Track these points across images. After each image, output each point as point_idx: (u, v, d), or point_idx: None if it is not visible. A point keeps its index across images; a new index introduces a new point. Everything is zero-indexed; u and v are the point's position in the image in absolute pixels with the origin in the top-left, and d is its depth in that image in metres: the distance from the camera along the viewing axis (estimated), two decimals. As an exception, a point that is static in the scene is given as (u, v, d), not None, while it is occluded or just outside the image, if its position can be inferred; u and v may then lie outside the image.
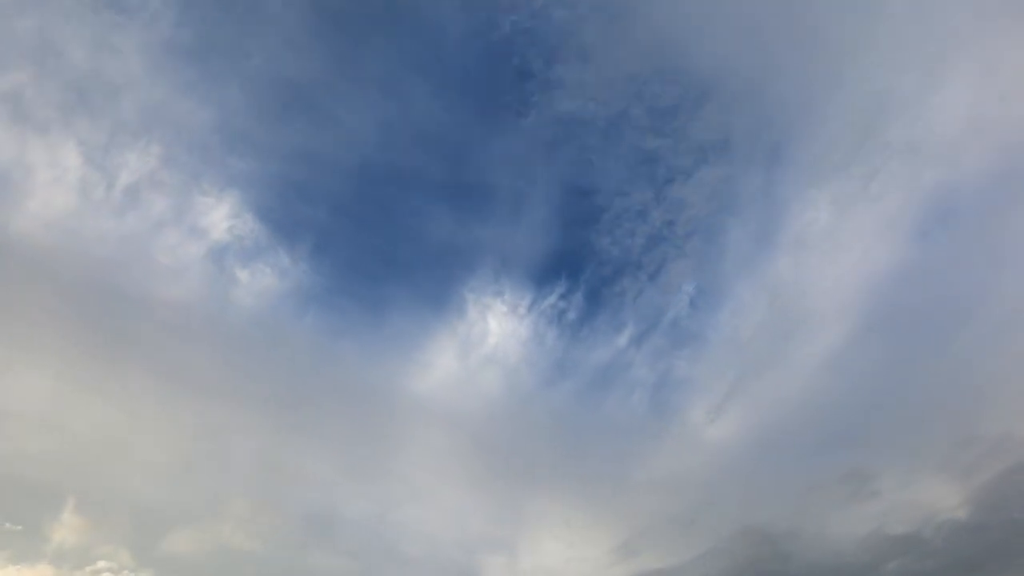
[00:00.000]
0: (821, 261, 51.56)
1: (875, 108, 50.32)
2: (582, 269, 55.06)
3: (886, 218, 50.18)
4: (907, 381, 45.52)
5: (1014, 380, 40.33)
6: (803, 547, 37.67)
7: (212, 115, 49.83)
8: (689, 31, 51.79)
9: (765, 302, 52.33)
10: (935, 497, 35.88)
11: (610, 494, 50.69)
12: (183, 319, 50.56)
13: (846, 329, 50.26)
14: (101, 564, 42.40)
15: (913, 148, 48.81)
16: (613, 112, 52.66)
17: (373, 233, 54.62)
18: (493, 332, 53.56)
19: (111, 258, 49.03)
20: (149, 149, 49.47)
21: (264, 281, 51.71)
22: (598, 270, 54.96)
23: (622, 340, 54.65)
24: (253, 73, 50.71)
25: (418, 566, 47.94)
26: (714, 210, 53.32)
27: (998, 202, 46.88)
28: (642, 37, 52.37)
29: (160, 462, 47.20)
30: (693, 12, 51.59)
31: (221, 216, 51.14)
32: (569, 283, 54.75)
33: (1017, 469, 34.10)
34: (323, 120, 53.07)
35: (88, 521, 43.75)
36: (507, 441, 53.48)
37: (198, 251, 50.71)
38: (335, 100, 53.50)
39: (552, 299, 54.43)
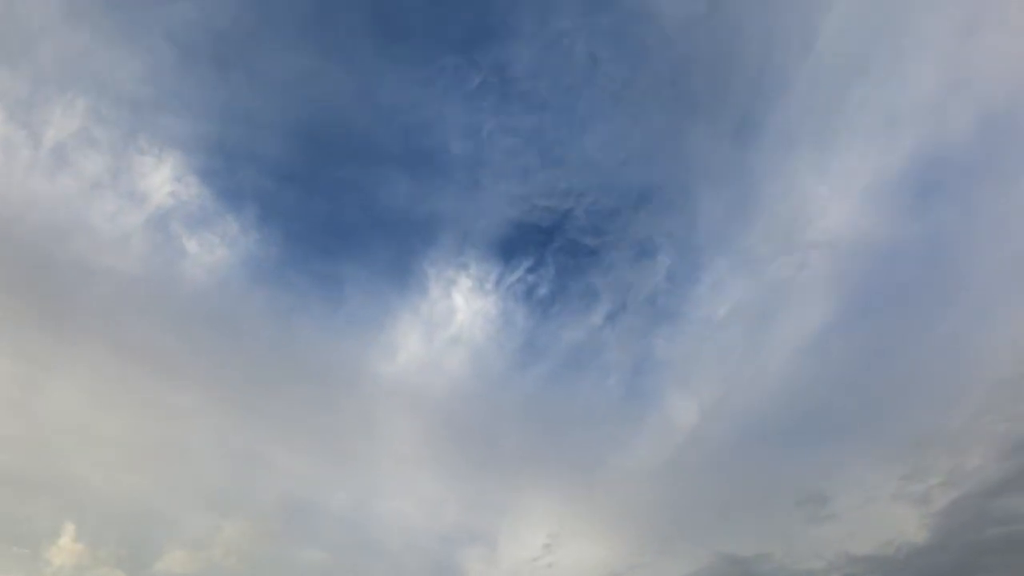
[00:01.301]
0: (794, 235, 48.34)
1: (848, 73, 46.42)
2: (551, 240, 51.03)
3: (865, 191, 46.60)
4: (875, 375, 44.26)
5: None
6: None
7: (140, 68, 44.52)
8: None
9: (741, 279, 49.45)
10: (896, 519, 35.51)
11: (589, 484, 49.22)
12: (128, 292, 47.48)
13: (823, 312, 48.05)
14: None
15: (891, 117, 45.29)
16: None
17: (322, 201, 50.75)
18: (459, 310, 50.57)
19: (44, 224, 45.23)
20: (75, 104, 44.41)
21: (214, 252, 48.16)
22: (568, 241, 50.90)
23: (596, 318, 51.95)
24: (180, 22, 45.13)
25: (397, 560, 46.81)
26: (688, 179, 49.22)
27: (981, 170, 43.44)
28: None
29: (114, 447, 45.60)
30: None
31: (162, 179, 46.86)
32: (537, 256, 50.84)
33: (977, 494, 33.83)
34: (259, 78, 48.15)
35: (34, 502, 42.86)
36: (480, 429, 51.75)
37: (139, 217, 46.87)
38: (271, 56, 48.16)
39: (520, 272, 50.79)
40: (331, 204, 49.81)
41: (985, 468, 34.84)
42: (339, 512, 47.40)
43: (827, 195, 46.92)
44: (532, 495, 49.42)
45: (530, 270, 50.04)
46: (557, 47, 49.42)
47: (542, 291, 50.18)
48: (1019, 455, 33.93)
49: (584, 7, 48.78)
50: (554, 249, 49.68)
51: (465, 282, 49.34)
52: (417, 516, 48.53)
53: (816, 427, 45.33)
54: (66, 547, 41.46)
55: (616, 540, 46.59)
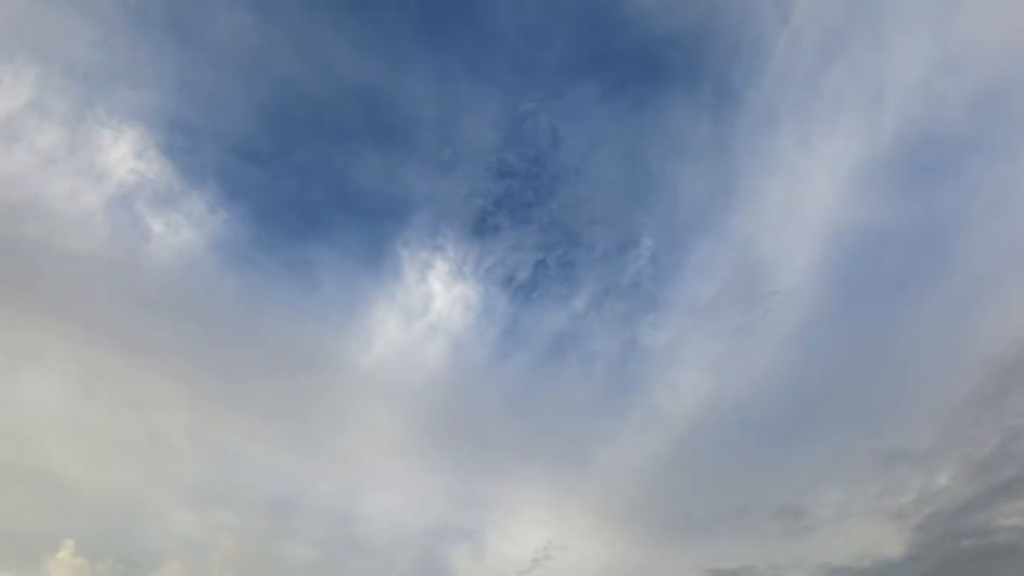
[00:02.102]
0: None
1: (828, 48, 43.99)
2: (529, 221, 48.26)
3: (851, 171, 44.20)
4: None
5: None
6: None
7: (90, 36, 41.17)
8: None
9: (727, 263, 47.34)
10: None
11: (576, 481, 48.51)
12: (93, 276, 45.27)
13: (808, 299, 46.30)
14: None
15: (875, 94, 43.07)
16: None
17: (289, 181, 48.05)
18: (437, 296, 48.59)
19: (-2, 202, 42.71)
20: (24, 73, 41.31)
21: (181, 233, 45.76)
22: (548, 223, 48.26)
23: (579, 303, 49.88)
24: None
25: (384, 557, 46.24)
26: (667, 156, 46.35)
27: (972, 150, 41.05)
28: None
29: (91, 439, 43.98)
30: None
31: (122, 154, 44.01)
32: (516, 238, 48.20)
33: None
34: (217, 51, 44.87)
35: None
36: (462, 421, 50.64)
37: (100, 196, 44.28)
38: (228, 28, 44.64)
39: (498, 255, 48.24)
40: (298, 183, 47.44)
41: (953, 487, 35.68)
42: (325, 507, 46.65)
43: (811, 175, 44.64)
44: (519, 491, 48.79)
45: (509, 253, 47.61)
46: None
47: (523, 275, 48.14)
48: (982, 475, 35.10)
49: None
50: (533, 231, 47.43)
51: (442, 266, 47.24)
52: (403, 512, 47.85)
53: (794, 435, 45.03)
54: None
55: (605, 543, 46.06)
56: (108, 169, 43.96)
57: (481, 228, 47.22)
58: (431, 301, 48.94)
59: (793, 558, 36.49)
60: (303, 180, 47.39)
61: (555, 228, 47.05)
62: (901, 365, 42.54)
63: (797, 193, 45.76)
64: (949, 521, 34.92)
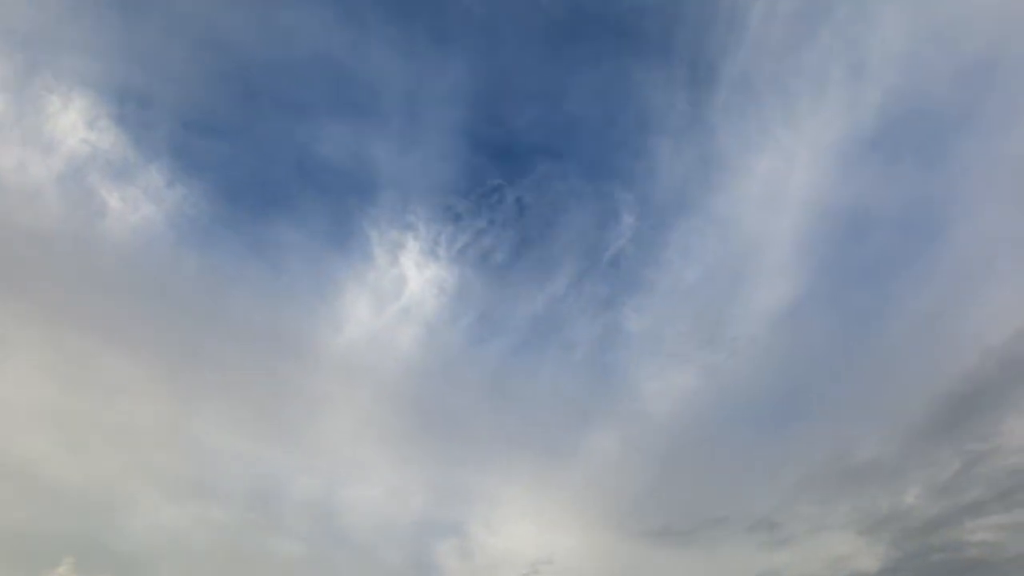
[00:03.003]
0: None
1: (808, 18, 42.00)
2: (503, 198, 46.20)
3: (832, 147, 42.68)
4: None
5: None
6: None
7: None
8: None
9: (711, 242, 46.05)
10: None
11: (558, 472, 47.53)
12: (47, 254, 43.02)
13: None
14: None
15: (857, 66, 41.39)
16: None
17: (249, 155, 45.50)
18: (410, 278, 46.80)
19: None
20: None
21: (138, 209, 43.52)
22: (523, 199, 46.21)
23: (558, 286, 48.29)
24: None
25: (370, 553, 45.14)
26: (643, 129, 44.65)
27: (954, 124, 39.88)
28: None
29: (61, 427, 42.08)
30: None
31: (72, 123, 41.41)
32: (489, 217, 46.14)
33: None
34: (166, 16, 41.68)
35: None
36: (441, 410, 49.47)
37: (52, 168, 41.85)
38: None
39: (470, 234, 46.09)
40: (259, 158, 44.91)
41: (919, 505, 36.52)
42: (307, 499, 45.53)
43: (792, 152, 43.19)
44: (501, 484, 47.69)
45: (482, 232, 45.62)
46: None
47: (498, 257, 46.46)
48: (945, 495, 36.24)
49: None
50: (507, 208, 45.57)
51: (413, 245, 45.38)
52: (386, 505, 46.90)
53: (772, 442, 44.41)
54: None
55: (588, 547, 44.75)
56: (58, 139, 41.66)
57: (453, 206, 45.35)
58: (404, 283, 47.24)
59: (770, 570, 36.59)
60: (264, 155, 45.06)
61: (530, 205, 45.59)
62: (881, 372, 42.17)
63: (779, 172, 44.43)
64: (920, 536, 35.47)
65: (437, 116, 43.96)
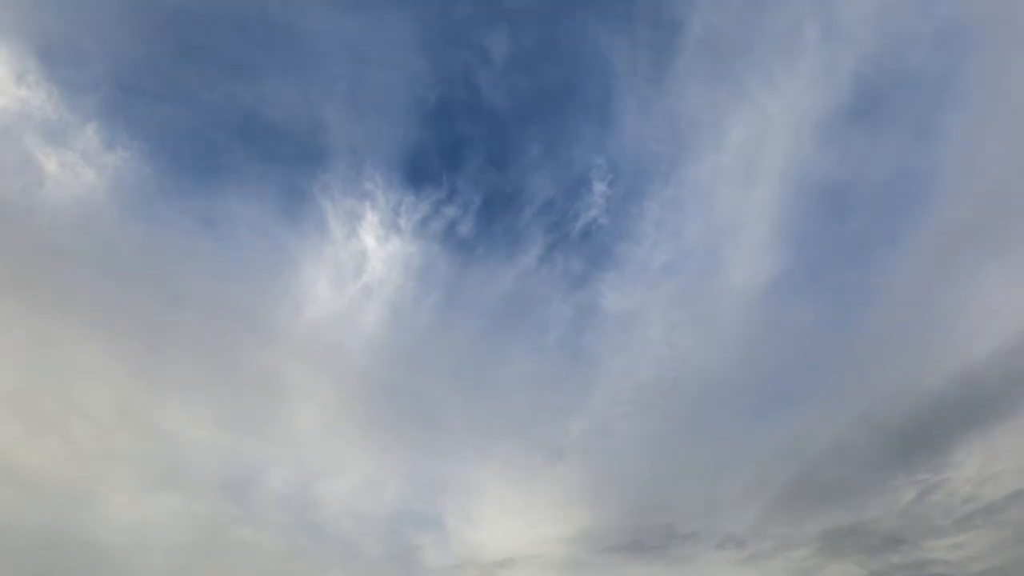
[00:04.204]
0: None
1: None
2: (465, 164, 43.06)
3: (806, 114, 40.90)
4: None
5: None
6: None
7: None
8: None
9: (689, 216, 44.22)
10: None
11: (533, 463, 46.45)
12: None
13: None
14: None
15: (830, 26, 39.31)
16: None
17: (189, 118, 40.68)
18: (371, 254, 44.28)
19: None
20: None
21: (79, 175, 40.60)
22: (487, 164, 43.16)
23: (529, 259, 45.93)
24: None
25: (346, 547, 44.16)
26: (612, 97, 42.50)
27: (933, 91, 38.29)
28: None
29: (15, 407, 39.33)
30: None
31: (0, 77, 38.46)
32: (451, 186, 42.99)
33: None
34: None
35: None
36: (409, 397, 47.86)
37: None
38: None
39: (434, 203, 42.99)
40: (201, 121, 40.22)
41: (885, 520, 37.11)
42: (276, 490, 44.18)
43: (764, 119, 41.31)
44: (479, 474, 46.46)
45: (444, 202, 42.71)
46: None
47: (463, 229, 44.04)
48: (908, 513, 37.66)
49: None
50: (470, 174, 42.91)
51: (372, 217, 42.85)
52: (362, 497, 45.83)
53: (738, 461, 44.11)
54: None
55: (562, 554, 42.74)
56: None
57: (413, 173, 42.34)
58: (364, 259, 44.77)
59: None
60: (207, 118, 40.53)
61: (494, 172, 43.29)
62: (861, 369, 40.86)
63: (752, 141, 42.70)
64: (885, 554, 36.20)
65: (390, 77, 41.29)
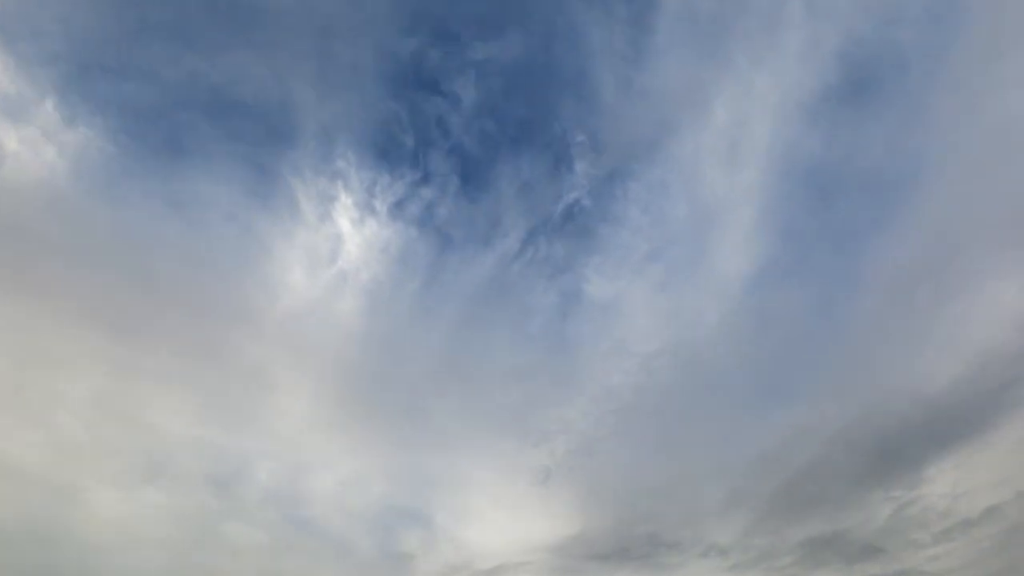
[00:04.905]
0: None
1: None
2: (441, 143, 40.92)
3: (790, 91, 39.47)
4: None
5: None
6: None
7: None
8: None
9: (672, 196, 43.02)
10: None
11: (519, 457, 46.00)
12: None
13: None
14: None
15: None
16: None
17: (152, 96, 38.22)
18: (346, 237, 42.98)
19: None
20: None
21: (39, 152, 39.17)
22: (465, 142, 41.00)
23: (511, 242, 44.67)
24: None
25: (335, 544, 43.82)
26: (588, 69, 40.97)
27: (923, 69, 37.14)
28: None
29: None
30: None
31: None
32: (424, 168, 41.05)
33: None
34: None
35: None
36: (391, 388, 47.12)
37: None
38: None
39: (409, 183, 41.27)
40: (164, 99, 37.64)
41: (865, 531, 37.49)
42: (263, 484, 43.58)
43: (747, 99, 39.92)
44: (465, 466, 44.78)
45: (420, 183, 40.88)
46: None
47: (441, 212, 42.63)
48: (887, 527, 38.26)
49: None
50: (446, 154, 40.69)
51: (346, 199, 41.47)
52: (348, 492, 45.20)
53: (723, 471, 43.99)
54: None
55: (556, 540, 42.07)
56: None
57: (387, 152, 40.34)
58: (339, 243, 43.50)
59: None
60: (170, 95, 37.87)
61: (472, 150, 41.82)
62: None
63: (735, 122, 41.43)
64: (866, 564, 37.02)
65: (360, 52, 39.70)
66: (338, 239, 42.03)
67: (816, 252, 42.06)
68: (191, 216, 41.86)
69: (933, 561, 36.12)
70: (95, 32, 36.92)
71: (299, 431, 45.51)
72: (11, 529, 37.41)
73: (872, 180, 40.14)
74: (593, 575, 42.77)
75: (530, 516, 46.33)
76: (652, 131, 40.54)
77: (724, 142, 40.42)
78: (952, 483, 36.63)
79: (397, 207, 40.93)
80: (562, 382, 47.66)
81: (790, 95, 38.60)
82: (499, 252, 43.55)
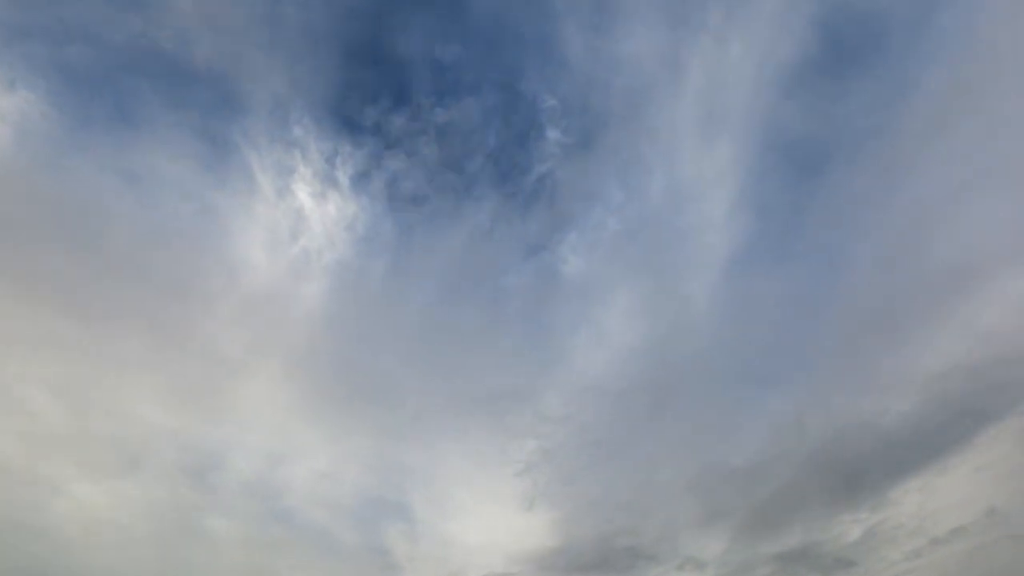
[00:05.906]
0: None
1: None
2: (404, 110, 38.69)
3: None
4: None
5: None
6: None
7: None
8: None
9: (651, 170, 41.43)
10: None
11: (495, 451, 44.60)
12: None
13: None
14: None
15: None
16: None
17: (94, 60, 35.64)
18: (308, 213, 41.13)
19: None
20: None
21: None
22: (429, 109, 38.74)
23: (482, 217, 42.88)
24: None
25: (314, 536, 42.47)
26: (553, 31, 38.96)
27: (907, 38, 35.64)
28: None
29: None
30: None
31: None
32: (392, 133, 38.61)
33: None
34: None
35: None
36: (363, 375, 45.97)
37: None
38: None
39: (372, 155, 39.09)
40: (109, 63, 35.36)
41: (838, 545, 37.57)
42: (237, 475, 42.28)
43: (722, 65, 38.17)
44: (444, 456, 44.61)
45: (384, 154, 38.72)
46: None
47: (407, 185, 40.60)
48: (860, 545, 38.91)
49: None
50: (410, 123, 39.04)
51: (305, 170, 39.51)
52: (323, 483, 43.75)
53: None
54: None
55: (539, 551, 40.68)
56: None
57: (347, 117, 38.15)
58: (302, 220, 41.67)
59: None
60: (114, 60, 35.72)
61: (437, 117, 39.78)
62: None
63: (710, 89, 39.79)
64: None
65: (313, 13, 37.49)
66: (299, 215, 40.24)
67: (798, 230, 40.60)
68: (145, 190, 39.96)
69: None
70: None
71: (273, 419, 43.98)
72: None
73: (854, 153, 38.72)
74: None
75: (512, 536, 45.03)
76: (624, 98, 38.91)
77: (700, 109, 38.88)
78: (918, 504, 38.03)
79: (360, 179, 39.02)
80: (542, 374, 46.11)
81: (765, 63, 37.11)
82: (470, 227, 41.71)
